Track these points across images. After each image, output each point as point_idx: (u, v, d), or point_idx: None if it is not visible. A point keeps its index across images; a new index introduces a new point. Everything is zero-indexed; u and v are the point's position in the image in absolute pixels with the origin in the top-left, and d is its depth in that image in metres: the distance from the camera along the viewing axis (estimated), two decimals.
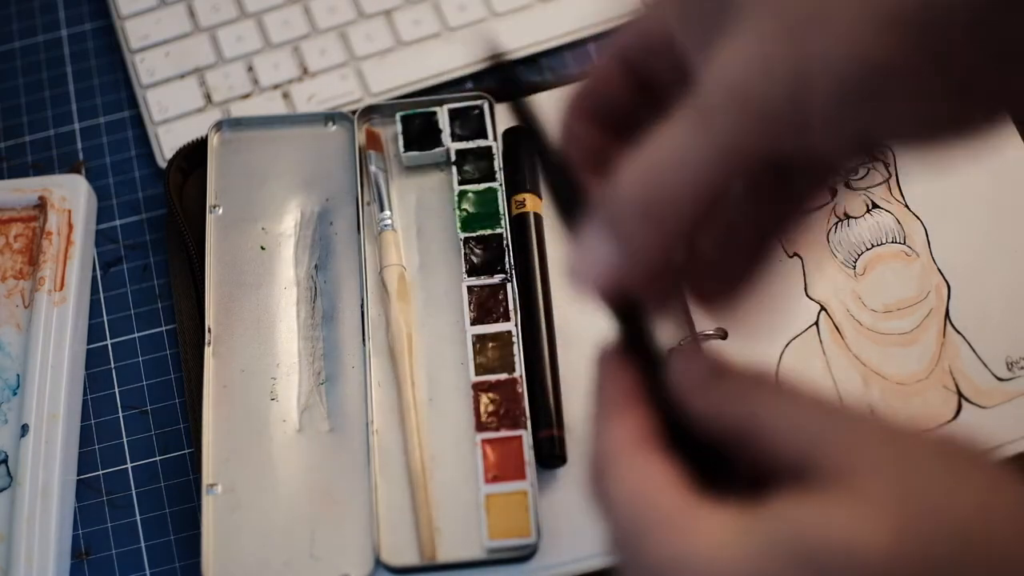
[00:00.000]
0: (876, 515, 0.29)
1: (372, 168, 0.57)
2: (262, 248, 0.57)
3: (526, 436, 0.51)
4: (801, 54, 0.31)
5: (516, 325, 0.53)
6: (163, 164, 0.62)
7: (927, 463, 0.31)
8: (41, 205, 0.58)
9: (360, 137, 0.58)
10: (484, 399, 0.52)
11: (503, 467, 0.51)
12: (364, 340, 0.54)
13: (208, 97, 0.64)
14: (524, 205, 0.56)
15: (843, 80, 0.30)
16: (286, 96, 0.63)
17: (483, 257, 0.55)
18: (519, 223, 0.56)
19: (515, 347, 0.53)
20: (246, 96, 0.64)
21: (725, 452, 0.33)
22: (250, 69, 0.64)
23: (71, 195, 0.59)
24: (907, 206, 0.56)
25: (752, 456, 0.32)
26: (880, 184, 0.57)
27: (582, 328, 0.54)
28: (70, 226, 0.58)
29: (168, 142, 0.62)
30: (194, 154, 0.60)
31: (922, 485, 0.30)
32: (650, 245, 0.34)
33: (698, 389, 0.34)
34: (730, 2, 0.33)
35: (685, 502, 0.32)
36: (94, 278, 0.60)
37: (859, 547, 0.29)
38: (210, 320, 0.55)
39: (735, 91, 0.32)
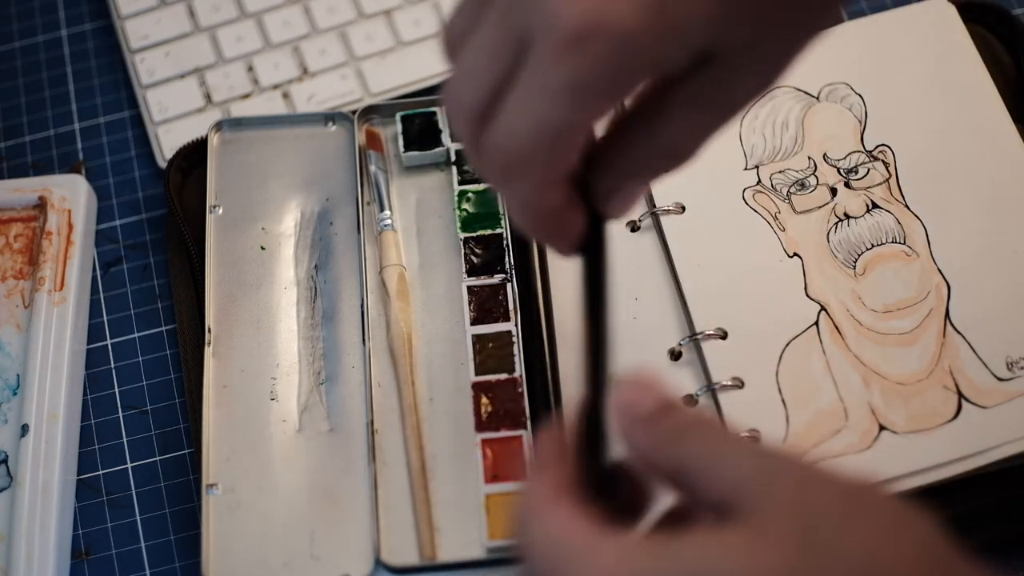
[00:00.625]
0: (773, 551, 0.32)
1: (372, 168, 0.57)
2: (262, 248, 0.57)
3: (526, 436, 0.51)
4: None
5: (516, 325, 0.53)
6: (163, 164, 0.62)
7: (831, 507, 0.33)
8: (41, 205, 0.59)
9: (360, 137, 0.58)
10: (484, 399, 0.52)
11: (503, 467, 0.51)
12: (364, 340, 0.54)
13: (208, 97, 0.64)
14: None
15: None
16: (286, 96, 0.63)
17: (483, 257, 0.55)
18: None
19: (515, 347, 0.53)
20: (246, 96, 0.64)
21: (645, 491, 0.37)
22: (250, 69, 0.64)
23: (71, 195, 0.59)
24: (907, 206, 0.56)
25: (684, 492, 0.35)
26: (880, 184, 0.57)
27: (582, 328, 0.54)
28: (70, 226, 0.58)
29: (168, 142, 0.62)
30: (194, 154, 0.60)
31: (822, 527, 0.33)
32: (531, 198, 0.39)
33: (639, 426, 0.36)
34: None
35: (592, 534, 0.35)
36: (94, 278, 0.60)
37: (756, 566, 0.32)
38: (210, 320, 0.55)
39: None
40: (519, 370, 0.52)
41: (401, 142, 0.58)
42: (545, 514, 0.36)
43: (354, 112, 0.59)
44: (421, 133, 0.58)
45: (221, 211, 0.57)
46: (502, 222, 0.56)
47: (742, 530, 0.33)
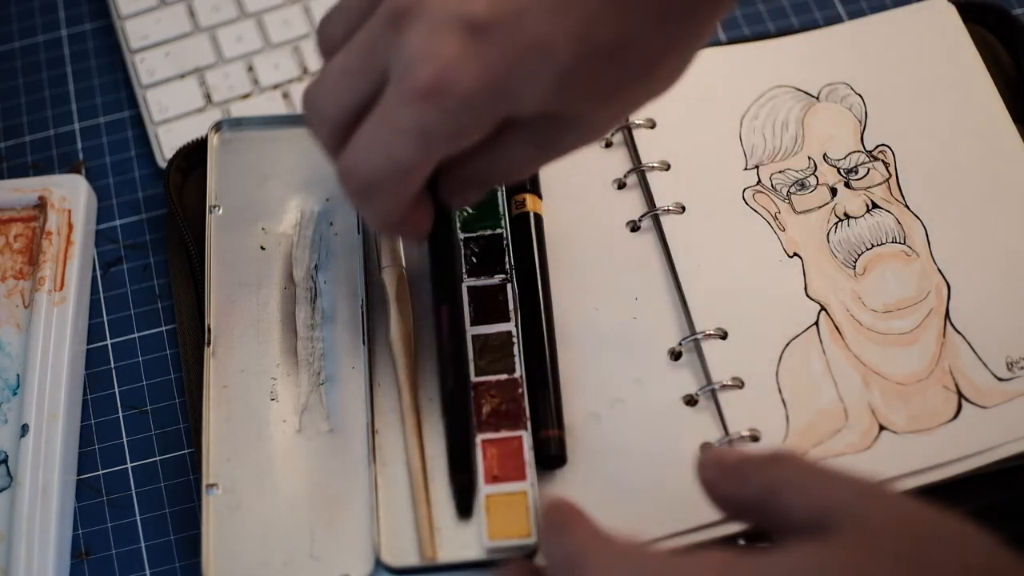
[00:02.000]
0: (883, 561, 0.35)
1: None
2: (262, 248, 0.57)
3: (526, 437, 0.51)
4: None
5: (516, 326, 0.53)
6: (163, 164, 0.62)
7: (936, 529, 0.37)
8: (41, 205, 0.59)
9: None
10: (484, 399, 0.52)
11: (503, 467, 0.50)
12: (364, 341, 0.54)
13: (208, 97, 0.64)
14: (524, 205, 0.56)
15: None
16: (286, 96, 0.64)
17: (483, 258, 0.55)
18: (519, 223, 0.56)
19: (515, 347, 0.53)
20: (246, 96, 0.64)
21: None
22: (250, 69, 0.64)
23: (71, 195, 0.59)
24: (907, 206, 0.56)
25: (768, 517, 0.39)
26: (880, 184, 0.57)
27: (582, 328, 0.54)
28: (70, 226, 0.58)
29: (168, 142, 0.62)
30: (194, 154, 0.60)
31: (929, 545, 0.36)
32: (380, 213, 0.46)
33: (727, 470, 0.41)
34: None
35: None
36: (94, 278, 0.60)
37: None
38: (210, 320, 0.55)
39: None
40: (519, 370, 0.52)
41: None
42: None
43: None
44: None
45: (221, 211, 0.57)
46: (502, 223, 0.56)
47: (847, 542, 0.36)
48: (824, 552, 0.36)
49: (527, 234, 0.55)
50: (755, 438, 0.51)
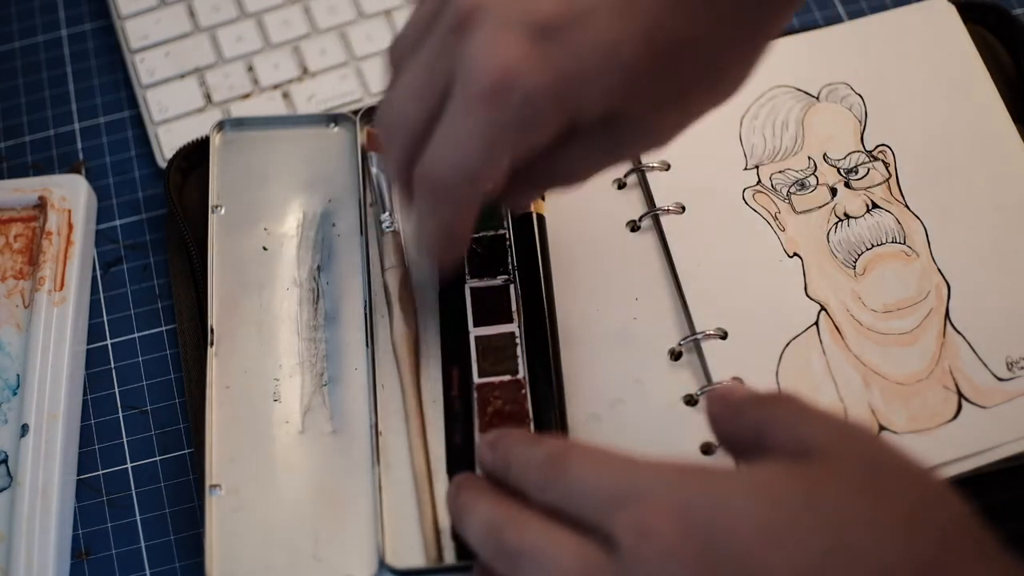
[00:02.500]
0: (844, 479, 0.38)
1: (374, 169, 0.57)
2: (264, 249, 0.57)
3: None
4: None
5: (519, 327, 0.53)
6: (163, 164, 0.62)
7: (895, 463, 0.39)
8: (41, 205, 0.58)
9: (362, 138, 0.58)
10: (487, 401, 0.52)
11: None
12: (367, 342, 0.54)
13: (208, 97, 0.64)
14: None
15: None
16: (286, 96, 0.63)
17: (485, 259, 0.55)
18: (521, 224, 0.56)
19: (518, 349, 0.53)
20: (246, 96, 0.64)
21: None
22: (250, 69, 0.64)
23: (71, 195, 0.59)
24: (907, 206, 0.56)
25: (759, 448, 0.40)
26: (880, 184, 0.57)
27: (583, 328, 0.54)
28: (70, 226, 0.58)
29: (168, 142, 0.62)
30: (194, 154, 0.60)
31: (886, 473, 0.39)
32: (452, 224, 0.46)
33: (723, 411, 0.42)
34: None
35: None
36: (94, 278, 0.60)
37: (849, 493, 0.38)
38: (213, 321, 0.55)
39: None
40: (522, 371, 0.52)
41: None
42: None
43: (356, 113, 0.59)
44: None
45: (223, 211, 0.57)
46: (504, 224, 0.56)
47: (814, 469, 0.38)
48: (789, 473, 0.38)
49: (530, 235, 0.55)
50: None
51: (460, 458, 0.51)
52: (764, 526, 0.37)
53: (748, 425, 0.41)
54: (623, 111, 0.43)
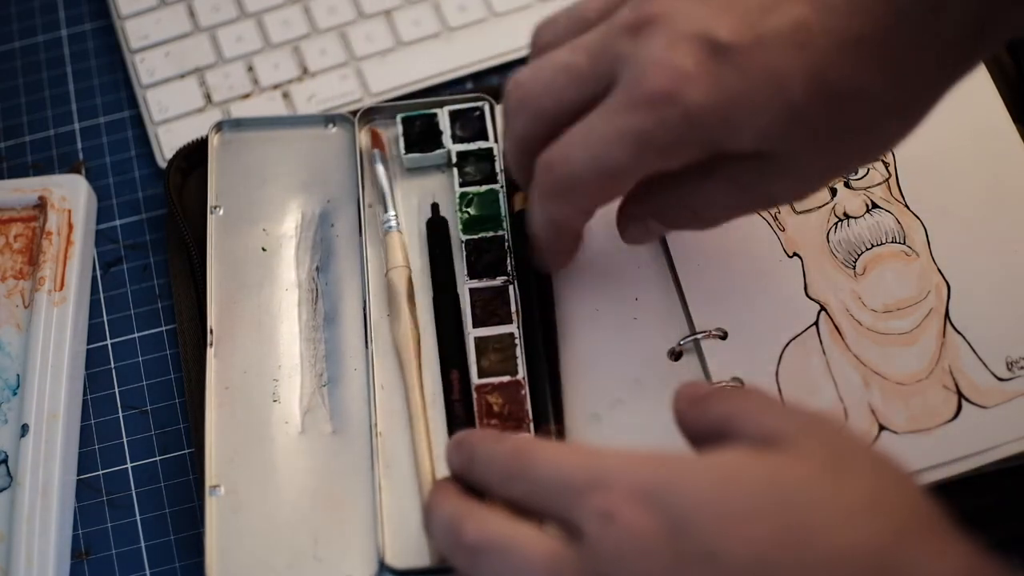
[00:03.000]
0: (807, 464, 0.38)
1: (379, 167, 0.57)
2: (263, 249, 0.57)
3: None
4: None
5: (518, 327, 0.53)
6: (163, 164, 0.62)
7: (856, 450, 0.39)
8: (41, 205, 0.59)
9: (361, 138, 0.58)
10: (487, 401, 0.52)
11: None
12: (367, 342, 0.54)
13: (208, 97, 0.64)
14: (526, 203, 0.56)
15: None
16: (286, 96, 0.63)
17: (485, 260, 0.55)
18: (522, 223, 0.56)
19: (517, 349, 0.53)
20: (246, 96, 0.64)
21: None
22: (250, 69, 0.64)
23: (71, 195, 0.59)
24: (907, 206, 0.56)
25: (723, 437, 0.40)
26: (880, 184, 0.57)
27: (582, 328, 0.54)
28: (70, 226, 0.58)
29: (168, 142, 0.62)
30: (194, 154, 0.60)
31: (846, 459, 0.39)
32: (561, 218, 0.47)
33: (696, 399, 0.42)
34: None
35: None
36: (94, 278, 0.60)
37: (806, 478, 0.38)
38: (212, 321, 0.55)
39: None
40: (522, 372, 0.52)
41: (402, 144, 0.58)
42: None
43: (354, 113, 0.59)
44: (422, 135, 0.58)
45: (222, 212, 0.57)
46: (503, 224, 0.56)
47: (779, 457, 0.38)
48: (752, 458, 0.39)
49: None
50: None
51: None
52: (726, 507, 0.37)
53: (713, 419, 0.41)
54: (776, 149, 0.43)
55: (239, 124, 0.59)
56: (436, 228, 0.56)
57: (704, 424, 0.42)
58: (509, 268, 0.54)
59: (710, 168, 0.44)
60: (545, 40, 0.46)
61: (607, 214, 0.57)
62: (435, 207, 0.57)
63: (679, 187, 0.46)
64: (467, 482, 0.45)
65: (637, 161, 0.43)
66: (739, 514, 0.37)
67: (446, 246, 0.56)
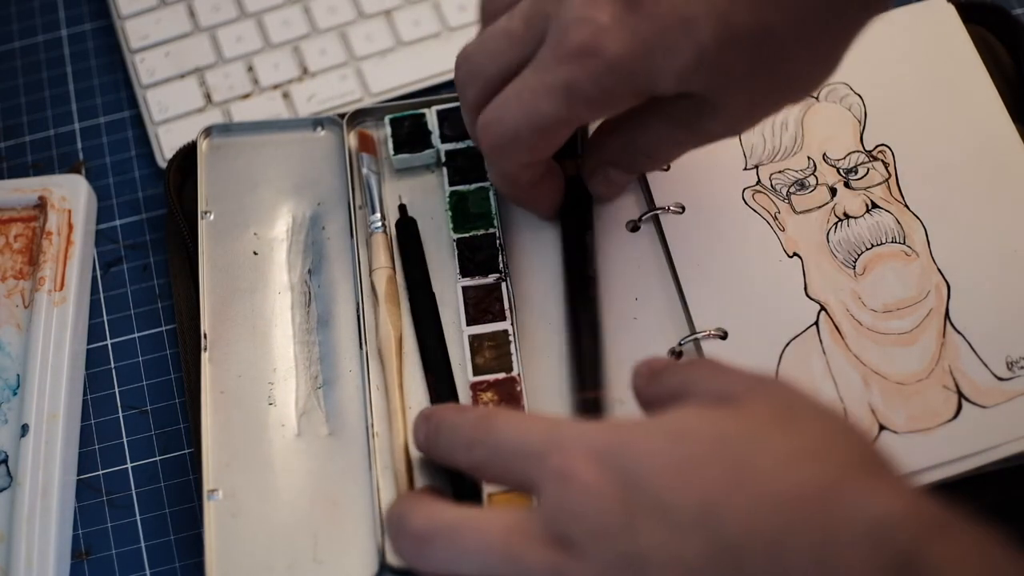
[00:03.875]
0: (757, 416, 0.40)
1: (364, 170, 0.57)
2: (255, 253, 0.57)
3: None
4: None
5: (512, 324, 0.53)
6: (163, 164, 0.62)
7: (805, 403, 0.41)
8: (41, 205, 0.59)
9: (350, 141, 0.58)
10: (483, 398, 0.52)
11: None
12: (361, 344, 0.54)
13: (208, 97, 0.64)
14: None
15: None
16: (286, 96, 0.64)
17: (477, 258, 0.55)
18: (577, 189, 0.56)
19: (512, 346, 0.53)
20: (246, 96, 0.64)
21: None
22: (250, 69, 0.64)
23: (71, 195, 0.59)
24: (907, 206, 0.56)
25: (677, 402, 0.42)
26: (880, 184, 0.57)
27: None
28: (70, 226, 0.58)
29: (168, 142, 0.62)
30: (194, 154, 0.59)
31: (795, 410, 0.40)
32: (510, 172, 0.49)
33: (647, 380, 0.44)
34: None
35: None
36: (94, 278, 0.60)
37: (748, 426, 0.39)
38: (205, 326, 0.54)
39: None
40: (517, 368, 0.52)
41: (391, 145, 0.58)
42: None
43: (342, 116, 0.59)
44: (410, 135, 0.58)
45: (212, 217, 0.57)
46: (494, 222, 0.56)
47: (729, 411, 0.40)
48: (701, 415, 0.40)
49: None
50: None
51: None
52: (674, 459, 0.39)
53: (669, 388, 0.43)
54: (698, 89, 0.45)
55: (228, 129, 0.59)
56: (405, 229, 0.57)
57: (660, 394, 0.43)
58: (501, 265, 0.55)
59: (650, 111, 0.47)
60: (490, 11, 0.48)
61: (606, 215, 0.57)
62: (403, 208, 0.57)
63: (628, 132, 0.49)
64: (432, 455, 0.47)
65: (568, 112, 0.45)
66: (686, 464, 0.39)
67: (417, 246, 0.56)
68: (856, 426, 0.41)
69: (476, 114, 0.48)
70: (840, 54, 0.46)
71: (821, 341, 0.53)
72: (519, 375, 0.52)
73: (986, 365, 0.52)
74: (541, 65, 0.45)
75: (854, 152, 0.57)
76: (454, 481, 0.50)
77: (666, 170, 0.57)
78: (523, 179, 0.50)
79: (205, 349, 0.54)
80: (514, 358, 0.53)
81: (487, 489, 0.50)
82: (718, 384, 0.42)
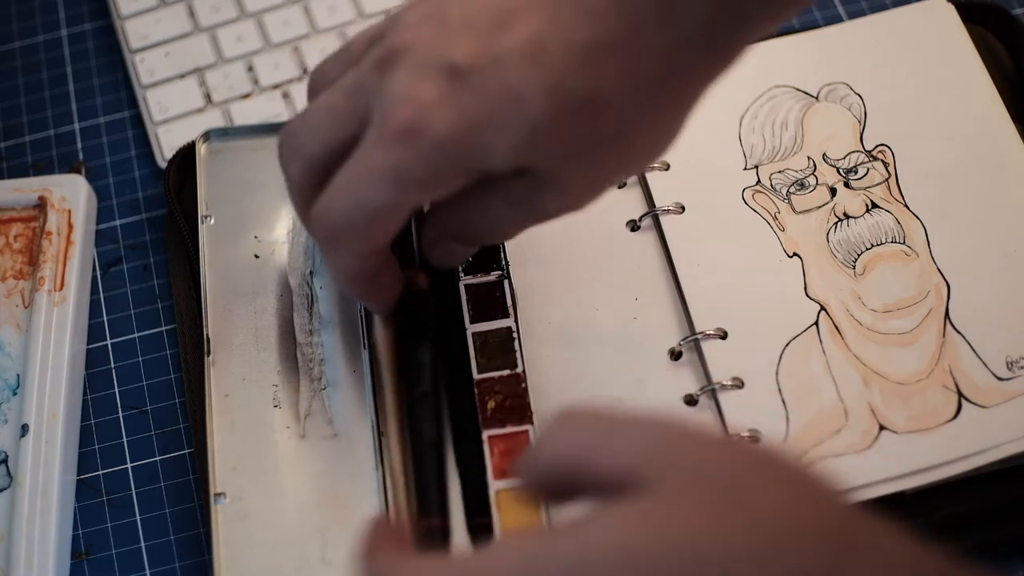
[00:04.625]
0: (693, 516, 0.32)
1: None
2: (256, 257, 0.57)
3: (533, 430, 0.51)
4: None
5: (515, 321, 0.53)
6: (163, 164, 0.62)
7: (745, 472, 0.33)
8: (41, 205, 0.59)
9: None
10: (488, 396, 0.52)
11: (511, 462, 0.50)
12: (364, 344, 0.54)
13: (208, 97, 0.64)
14: None
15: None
16: (286, 96, 0.64)
17: (478, 255, 0.55)
18: None
19: (515, 343, 0.53)
20: (246, 96, 0.64)
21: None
22: (250, 69, 0.64)
23: (71, 195, 0.59)
24: (907, 206, 0.56)
25: (584, 490, 0.34)
26: (879, 184, 0.57)
27: (582, 328, 0.54)
28: (70, 226, 0.58)
29: (168, 142, 0.62)
30: (194, 154, 0.59)
31: (740, 490, 0.33)
32: (348, 263, 0.45)
33: (524, 471, 0.36)
34: None
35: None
36: (94, 278, 0.60)
37: (677, 533, 0.32)
38: (208, 330, 0.54)
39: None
40: (521, 365, 0.52)
41: None
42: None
43: None
44: None
45: (213, 221, 0.57)
46: None
47: (652, 500, 0.32)
48: (628, 514, 0.32)
49: None
50: (755, 439, 0.51)
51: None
52: None
53: (552, 473, 0.36)
54: (532, 165, 0.42)
55: (226, 133, 0.59)
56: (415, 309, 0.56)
57: (550, 478, 0.36)
58: (502, 262, 0.55)
59: (486, 190, 0.44)
60: (317, 84, 0.46)
61: (606, 215, 0.57)
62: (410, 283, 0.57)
63: (464, 209, 0.46)
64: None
65: (399, 197, 0.42)
66: None
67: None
68: (822, 482, 0.34)
69: (301, 193, 0.45)
70: (683, 119, 0.43)
71: (821, 341, 0.53)
72: (523, 371, 0.52)
73: (986, 365, 0.52)
74: (368, 148, 0.42)
75: (854, 152, 0.57)
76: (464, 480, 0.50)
77: (666, 170, 0.57)
78: (359, 271, 0.46)
79: (209, 353, 0.54)
80: (518, 354, 0.53)
81: (495, 486, 0.50)
82: (617, 452, 0.34)
